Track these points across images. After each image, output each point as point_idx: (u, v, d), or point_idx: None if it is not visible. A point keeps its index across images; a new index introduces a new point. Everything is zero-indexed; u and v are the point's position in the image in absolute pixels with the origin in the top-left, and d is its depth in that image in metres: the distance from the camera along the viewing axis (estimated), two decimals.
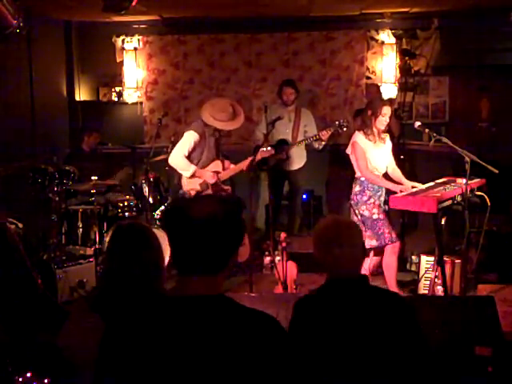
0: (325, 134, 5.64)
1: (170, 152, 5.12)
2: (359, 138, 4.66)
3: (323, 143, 5.83)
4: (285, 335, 1.58)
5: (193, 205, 1.55)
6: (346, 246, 2.22)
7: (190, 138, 4.85)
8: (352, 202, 4.71)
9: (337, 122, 5.60)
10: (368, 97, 6.79)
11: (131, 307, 1.61)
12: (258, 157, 4.92)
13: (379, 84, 7.22)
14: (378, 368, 2.09)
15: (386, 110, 4.58)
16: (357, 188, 4.70)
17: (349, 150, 4.77)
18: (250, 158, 4.87)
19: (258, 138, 6.04)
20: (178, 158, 4.86)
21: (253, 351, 1.44)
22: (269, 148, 5.07)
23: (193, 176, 4.92)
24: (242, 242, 1.59)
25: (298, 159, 6.11)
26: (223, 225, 1.52)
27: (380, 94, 6.76)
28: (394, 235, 4.60)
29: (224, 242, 1.53)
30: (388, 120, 4.61)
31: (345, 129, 5.59)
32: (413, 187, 4.53)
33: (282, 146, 5.98)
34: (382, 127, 4.64)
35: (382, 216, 4.60)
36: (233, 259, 1.57)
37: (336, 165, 7.09)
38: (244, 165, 5.00)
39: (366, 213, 4.62)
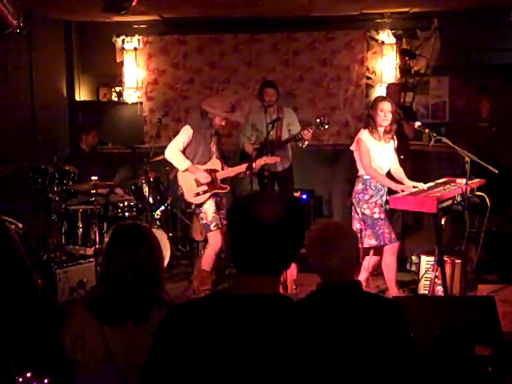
0: (307, 134, 5.58)
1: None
2: (364, 135, 4.64)
3: (306, 142, 5.70)
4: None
5: (259, 205, 1.52)
6: (340, 253, 2.18)
7: (184, 133, 4.87)
8: (353, 200, 4.68)
9: (318, 120, 5.46)
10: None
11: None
12: (261, 162, 4.96)
13: (381, 83, 7.19)
14: (364, 375, 2.04)
15: (383, 106, 4.54)
16: (359, 186, 4.68)
17: (353, 147, 4.75)
18: (246, 164, 4.89)
19: (242, 141, 6.01)
20: (172, 152, 4.88)
21: (309, 350, 1.46)
22: (273, 156, 5.07)
23: (186, 170, 4.91)
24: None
25: (282, 160, 5.81)
26: (289, 226, 1.51)
27: (398, 95, 6.47)
28: (393, 235, 4.59)
29: (289, 244, 1.52)
30: (388, 116, 4.54)
31: (326, 126, 5.46)
32: (414, 187, 4.51)
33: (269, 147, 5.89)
34: (385, 123, 4.57)
35: (382, 216, 4.59)
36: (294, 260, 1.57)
37: (336, 165, 7.08)
38: (242, 168, 4.98)
39: (367, 211, 4.61)
